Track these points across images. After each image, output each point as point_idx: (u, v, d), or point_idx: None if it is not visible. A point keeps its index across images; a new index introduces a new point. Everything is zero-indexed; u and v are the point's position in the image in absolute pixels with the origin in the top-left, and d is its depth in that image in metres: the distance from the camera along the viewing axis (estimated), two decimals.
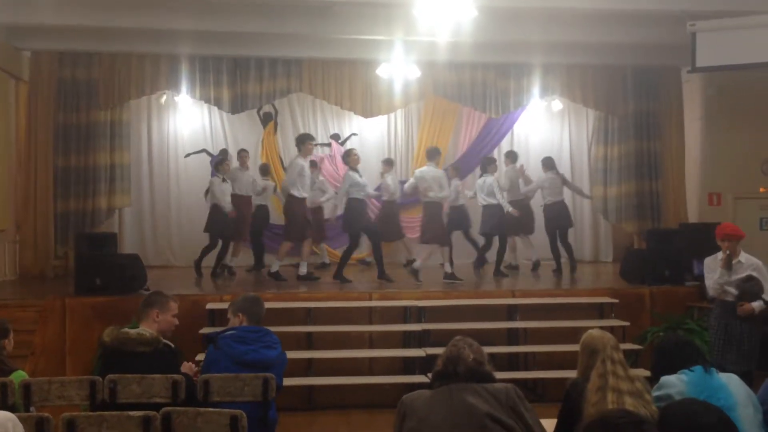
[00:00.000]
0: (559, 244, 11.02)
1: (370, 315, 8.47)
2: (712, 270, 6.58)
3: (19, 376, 4.63)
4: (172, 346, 4.62)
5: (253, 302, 4.78)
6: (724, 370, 6.10)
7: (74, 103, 11.40)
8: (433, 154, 10.08)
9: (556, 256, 11.02)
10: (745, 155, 11.93)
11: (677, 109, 12.47)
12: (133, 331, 4.41)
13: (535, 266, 11.34)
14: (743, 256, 6.53)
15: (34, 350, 7.89)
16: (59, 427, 3.68)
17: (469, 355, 3.28)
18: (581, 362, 3.78)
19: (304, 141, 10.04)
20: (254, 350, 4.51)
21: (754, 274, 6.46)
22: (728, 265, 6.44)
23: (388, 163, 12.11)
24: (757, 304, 6.34)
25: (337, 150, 13.16)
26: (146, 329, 4.47)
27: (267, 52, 11.34)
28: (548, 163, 11.33)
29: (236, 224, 10.88)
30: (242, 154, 11.60)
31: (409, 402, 3.30)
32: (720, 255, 6.55)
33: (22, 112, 11.45)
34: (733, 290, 6.47)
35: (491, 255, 11.09)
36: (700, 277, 8.84)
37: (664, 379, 3.54)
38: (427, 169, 9.91)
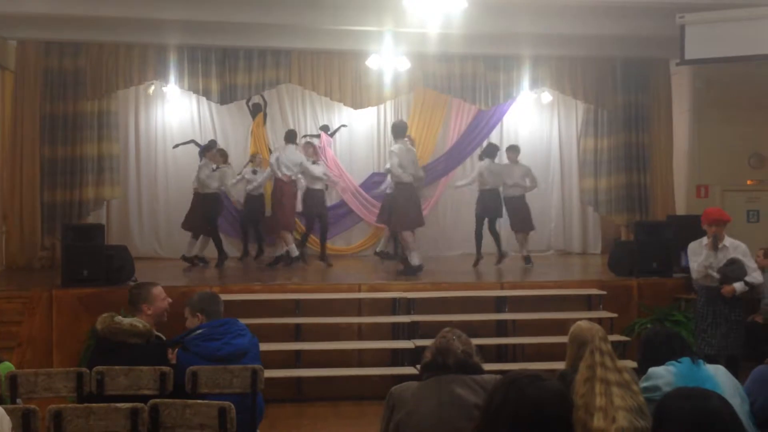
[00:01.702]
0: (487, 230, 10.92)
1: (359, 306, 8.48)
2: (697, 254, 6.68)
3: (6, 367, 4.60)
4: (164, 339, 4.58)
5: (212, 300, 4.72)
6: (709, 355, 6.19)
7: (61, 93, 11.29)
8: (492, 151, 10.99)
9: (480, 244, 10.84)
10: (733, 148, 11.99)
11: (666, 102, 12.52)
12: (126, 321, 4.35)
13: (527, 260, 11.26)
14: (728, 241, 6.64)
15: (20, 342, 7.83)
16: (46, 420, 3.65)
17: (458, 347, 3.29)
18: (569, 353, 3.79)
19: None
20: (226, 343, 4.47)
21: (739, 257, 6.54)
22: (715, 246, 6.52)
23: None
24: (738, 285, 6.50)
25: (327, 141, 13.12)
26: (140, 320, 4.42)
27: (256, 42, 11.27)
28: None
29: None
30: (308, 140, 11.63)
31: (397, 394, 3.31)
32: (705, 240, 6.64)
33: (8, 102, 11.33)
34: (715, 275, 6.57)
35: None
36: (688, 269, 8.93)
37: (652, 370, 3.56)
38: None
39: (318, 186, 11.08)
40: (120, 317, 4.42)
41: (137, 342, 4.34)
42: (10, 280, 10.03)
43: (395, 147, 9.62)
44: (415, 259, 9.61)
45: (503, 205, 10.79)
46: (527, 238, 11.05)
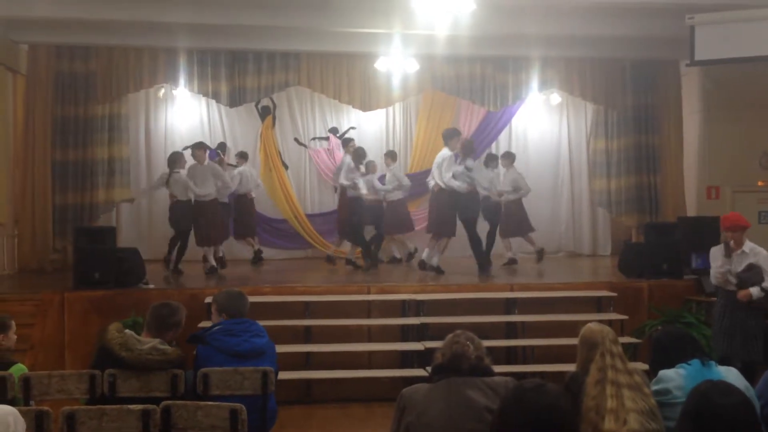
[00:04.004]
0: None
1: (368, 309, 8.48)
2: (716, 259, 6.62)
3: (19, 369, 4.63)
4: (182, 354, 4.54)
5: (238, 298, 4.81)
6: (728, 360, 6.13)
7: (72, 96, 11.37)
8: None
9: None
10: (744, 148, 11.93)
11: (676, 103, 12.47)
12: (156, 353, 4.25)
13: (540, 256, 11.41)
14: (748, 246, 6.57)
15: (33, 344, 7.89)
16: (59, 421, 3.68)
17: (472, 352, 3.31)
18: (580, 356, 3.78)
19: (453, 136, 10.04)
20: (245, 340, 4.58)
21: (760, 262, 6.48)
22: (728, 253, 6.48)
23: (392, 156, 12.11)
24: (754, 290, 6.41)
25: (335, 144, 13.14)
26: (167, 346, 4.34)
27: (265, 45, 11.31)
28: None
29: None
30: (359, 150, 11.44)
31: (408, 395, 3.32)
32: None
33: (20, 106, 11.41)
34: (733, 280, 6.50)
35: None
36: (698, 271, 8.90)
37: (662, 373, 3.55)
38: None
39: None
40: (134, 336, 4.31)
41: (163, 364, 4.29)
42: (22, 282, 10.10)
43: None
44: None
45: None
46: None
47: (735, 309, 6.52)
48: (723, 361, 5.72)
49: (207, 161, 10.48)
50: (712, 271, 6.66)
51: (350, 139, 11.81)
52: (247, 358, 4.51)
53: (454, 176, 9.61)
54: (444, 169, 9.66)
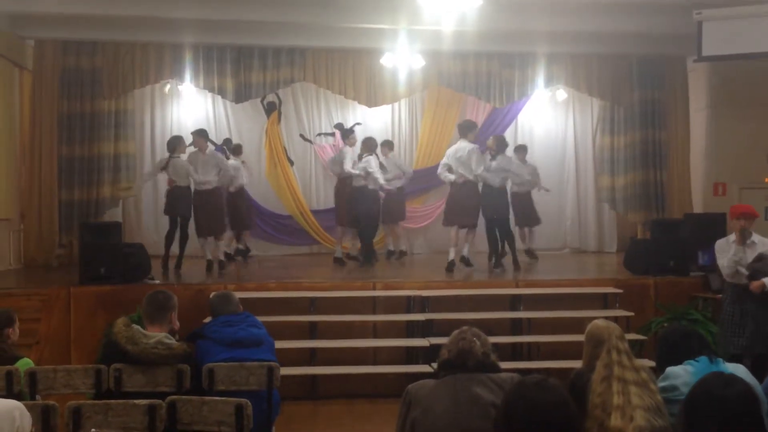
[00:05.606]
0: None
1: (373, 305, 8.48)
2: (725, 251, 6.57)
3: (25, 364, 4.64)
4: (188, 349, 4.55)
5: (221, 301, 4.90)
6: (738, 354, 6.10)
7: (78, 92, 11.37)
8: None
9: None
10: (751, 145, 11.88)
11: (682, 99, 12.42)
12: (162, 347, 4.25)
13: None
14: (756, 237, 6.55)
15: (39, 339, 7.92)
16: (65, 416, 3.69)
17: (479, 348, 3.30)
18: (586, 352, 3.78)
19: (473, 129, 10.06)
20: (242, 329, 4.67)
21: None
22: (743, 240, 6.43)
23: (389, 146, 11.95)
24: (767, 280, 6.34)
25: (341, 140, 13.12)
26: (172, 341, 4.33)
27: (271, 41, 11.31)
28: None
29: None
30: (383, 145, 11.42)
31: (414, 391, 3.31)
32: (732, 237, 6.55)
33: (26, 101, 11.44)
34: (744, 271, 6.46)
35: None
36: (705, 268, 8.87)
37: (670, 369, 3.54)
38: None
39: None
40: (141, 330, 4.33)
41: (169, 358, 4.29)
42: (28, 277, 10.14)
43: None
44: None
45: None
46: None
47: (744, 302, 6.49)
48: (731, 358, 5.71)
49: (209, 150, 10.40)
50: (723, 262, 6.58)
51: (351, 131, 11.78)
52: (245, 345, 4.56)
53: (486, 170, 9.77)
54: (475, 163, 9.66)
